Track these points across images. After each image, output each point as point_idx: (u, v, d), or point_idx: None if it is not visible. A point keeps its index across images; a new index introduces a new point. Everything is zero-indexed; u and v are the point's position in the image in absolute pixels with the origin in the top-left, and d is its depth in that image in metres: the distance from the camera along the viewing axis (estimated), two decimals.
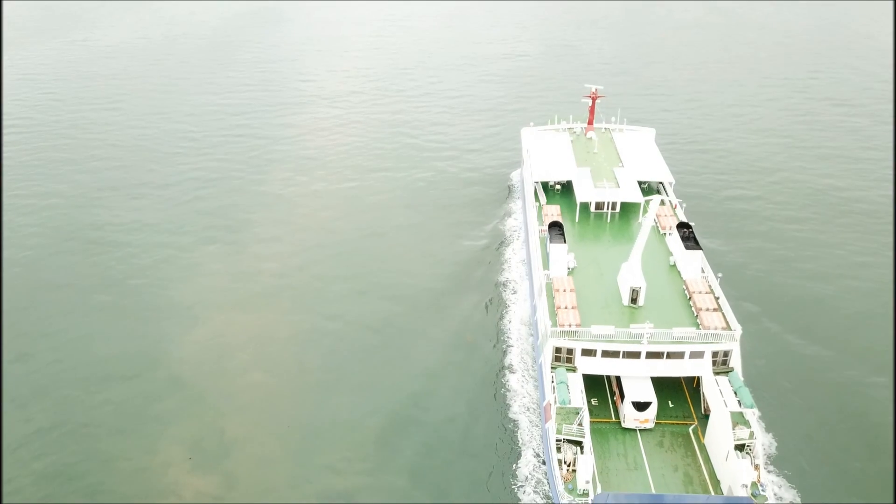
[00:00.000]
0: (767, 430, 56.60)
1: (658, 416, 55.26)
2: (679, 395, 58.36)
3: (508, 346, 67.38)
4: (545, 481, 53.41)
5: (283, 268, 79.59)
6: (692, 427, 55.13)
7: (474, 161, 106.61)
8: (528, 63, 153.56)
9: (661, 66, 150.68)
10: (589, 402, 56.09)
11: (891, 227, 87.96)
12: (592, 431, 52.29)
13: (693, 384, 58.86)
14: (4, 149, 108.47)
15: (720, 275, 62.76)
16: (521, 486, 53.37)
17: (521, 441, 57.08)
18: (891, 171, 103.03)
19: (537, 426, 57.95)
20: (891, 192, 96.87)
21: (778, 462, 54.57)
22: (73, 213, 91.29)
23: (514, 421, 59.02)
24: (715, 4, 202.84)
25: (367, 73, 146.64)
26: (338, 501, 51.32)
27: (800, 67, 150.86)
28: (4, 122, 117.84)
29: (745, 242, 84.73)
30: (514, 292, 74.70)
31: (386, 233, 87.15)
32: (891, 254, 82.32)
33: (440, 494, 52.41)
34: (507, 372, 64.20)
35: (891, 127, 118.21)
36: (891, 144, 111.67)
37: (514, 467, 54.77)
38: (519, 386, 62.61)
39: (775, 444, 56.05)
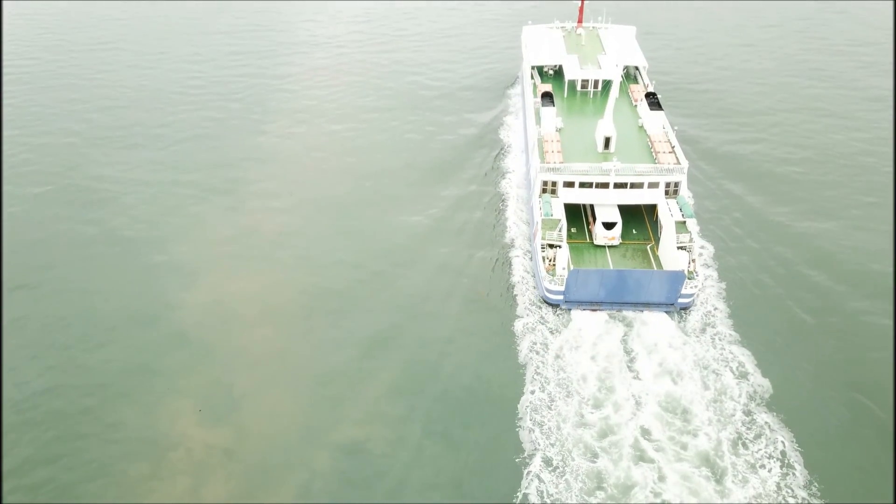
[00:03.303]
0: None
1: (623, 238, 68.14)
2: (640, 223, 71.32)
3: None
4: (534, 282, 65.57)
5: (287, 220, 76.03)
6: (649, 245, 68.33)
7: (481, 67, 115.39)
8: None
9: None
10: (569, 230, 67.94)
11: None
12: (570, 249, 65.15)
13: (653, 217, 70.89)
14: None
15: (676, 128, 77.04)
16: (515, 292, 64.77)
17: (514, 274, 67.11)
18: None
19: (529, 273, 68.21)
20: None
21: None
22: (67, 162, 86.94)
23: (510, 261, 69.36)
24: None
25: (367, 16, 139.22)
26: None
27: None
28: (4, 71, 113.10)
29: (705, 116, 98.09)
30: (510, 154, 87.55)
31: (391, 172, 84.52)
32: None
33: (454, 449, 50.85)
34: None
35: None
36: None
37: (509, 278, 66.53)
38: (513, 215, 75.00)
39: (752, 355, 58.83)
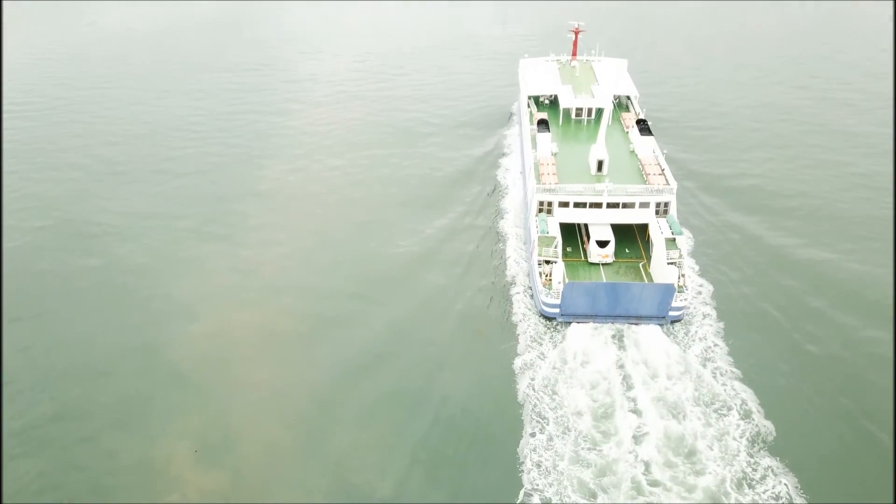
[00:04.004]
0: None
1: (616, 256, 69.94)
2: (633, 242, 72.93)
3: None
4: (531, 297, 67.51)
5: (286, 260, 75.04)
6: (641, 263, 69.95)
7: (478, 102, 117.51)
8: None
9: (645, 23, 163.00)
10: (564, 249, 70.03)
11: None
12: (566, 266, 66.95)
13: (645, 237, 72.49)
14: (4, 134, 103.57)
15: (665, 151, 78.94)
16: (512, 284, 68.21)
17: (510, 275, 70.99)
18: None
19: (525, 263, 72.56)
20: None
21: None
22: (69, 198, 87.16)
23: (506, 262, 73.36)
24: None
25: (367, 56, 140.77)
26: (342, 501, 48.66)
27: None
28: (5, 109, 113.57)
29: (695, 142, 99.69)
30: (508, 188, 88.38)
31: (390, 207, 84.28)
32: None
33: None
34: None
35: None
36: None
37: (509, 288, 68.84)
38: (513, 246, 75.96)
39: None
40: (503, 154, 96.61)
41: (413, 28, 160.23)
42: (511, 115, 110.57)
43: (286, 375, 59.52)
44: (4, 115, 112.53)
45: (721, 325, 63.11)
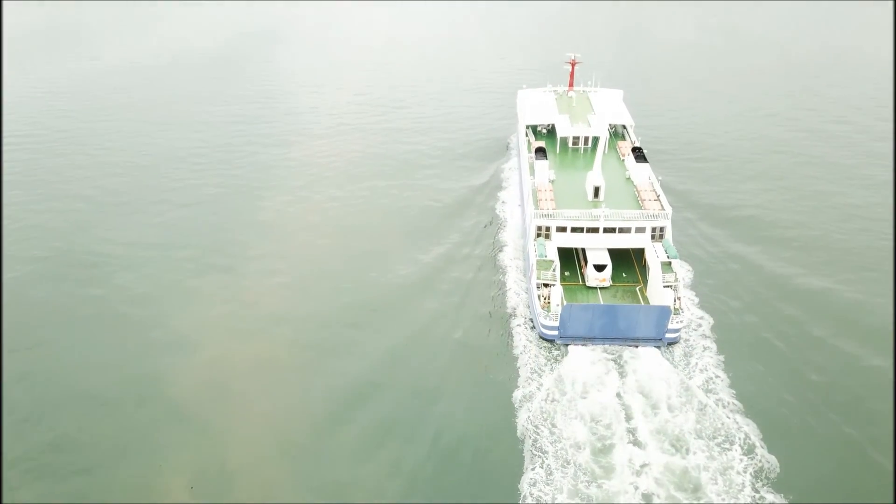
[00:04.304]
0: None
1: (613, 280, 70.70)
2: (630, 266, 73.66)
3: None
4: (531, 318, 68.20)
5: (285, 290, 74.68)
6: (638, 287, 70.78)
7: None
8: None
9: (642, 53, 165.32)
10: (563, 273, 70.66)
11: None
12: (564, 290, 67.43)
13: (642, 262, 73.14)
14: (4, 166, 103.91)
15: (660, 178, 79.83)
16: (512, 316, 68.44)
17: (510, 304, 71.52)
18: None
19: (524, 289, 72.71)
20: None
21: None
22: (69, 230, 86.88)
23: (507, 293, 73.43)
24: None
25: (367, 89, 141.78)
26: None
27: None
28: (6, 140, 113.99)
29: (693, 173, 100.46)
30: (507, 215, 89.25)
31: (389, 239, 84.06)
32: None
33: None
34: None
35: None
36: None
37: (509, 315, 69.10)
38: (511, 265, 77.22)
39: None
40: (501, 187, 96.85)
41: (413, 62, 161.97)
42: (508, 145, 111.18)
43: (283, 407, 58.90)
44: (8, 148, 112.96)
45: (721, 357, 62.50)
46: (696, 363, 61.64)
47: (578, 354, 62.57)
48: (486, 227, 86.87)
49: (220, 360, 64.30)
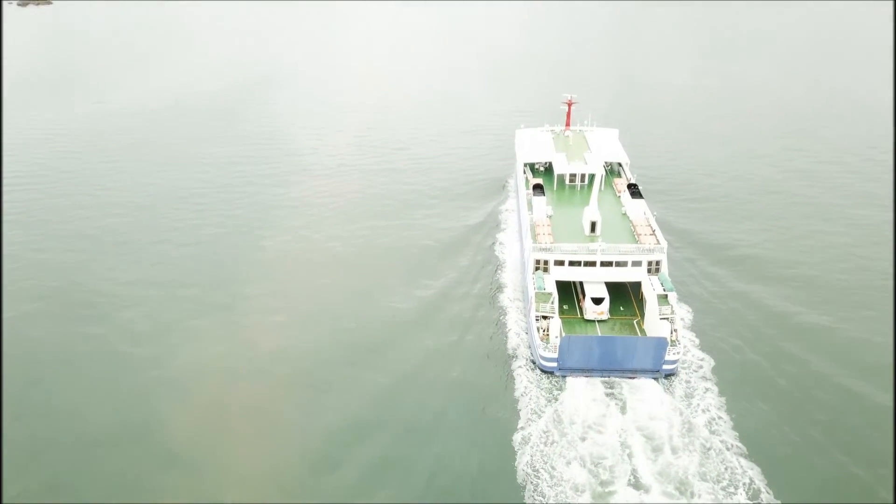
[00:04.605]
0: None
1: (611, 313, 71.38)
2: (627, 300, 74.69)
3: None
4: (529, 350, 68.74)
5: (284, 329, 74.30)
6: (636, 320, 71.62)
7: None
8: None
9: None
10: (561, 307, 70.99)
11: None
12: (563, 323, 68.03)
13: (639, 295, 73.67)
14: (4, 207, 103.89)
15: (655, 213, 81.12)
16: (513, 357, 67.93)
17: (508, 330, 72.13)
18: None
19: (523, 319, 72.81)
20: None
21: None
22: (69, 272, 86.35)
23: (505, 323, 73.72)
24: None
25: (367, 131, 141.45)
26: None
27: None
28: (10, 181, 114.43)
29: (691, 213, 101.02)
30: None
31: (388, 280, 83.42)
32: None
33: None
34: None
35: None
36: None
37: (510, 357, 68.58)
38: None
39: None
40: (499, 228, 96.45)
41: (412, 104, 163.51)
42: (505, 185, 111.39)
43: (280, 447, 58.26)
44: (12, 188, 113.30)
45: (724, 399, 61.79)
46: (699, 403, 60.79)
47: (577, 391, 62.09)
48: (484, 266, 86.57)
49: (218, 400, 63.76)
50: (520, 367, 66.65)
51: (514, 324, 73.31)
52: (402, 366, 68.03)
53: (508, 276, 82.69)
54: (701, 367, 65.93)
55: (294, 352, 71.28)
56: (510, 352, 69.12)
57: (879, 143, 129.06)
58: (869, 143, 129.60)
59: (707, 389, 62.89)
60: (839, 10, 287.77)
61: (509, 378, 65.86)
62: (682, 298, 76.21)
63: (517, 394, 63.14)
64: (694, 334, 70.94)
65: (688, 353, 67.25)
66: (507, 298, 78.03)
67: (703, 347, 68.95)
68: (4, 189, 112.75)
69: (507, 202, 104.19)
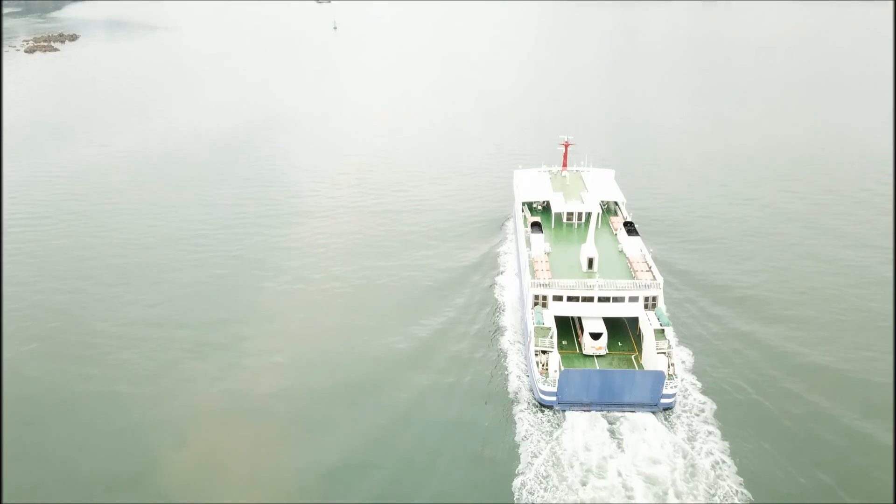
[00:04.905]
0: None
1: (609, 349, 72.22)
2: (625, 335, 75.40)
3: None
4: (528, 384, 69.21)
5: (282, 371, 73.88)
6: (633, 355, 72.30)
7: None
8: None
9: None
10: (560, 342, 72.08)
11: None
12: (562, 358, 68.78)
13: (636, 331, 74.67)
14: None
15: (651, 250, 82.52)
16: (514, 401, 67.62)
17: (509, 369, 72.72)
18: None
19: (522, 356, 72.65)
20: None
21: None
22: (67, 315, 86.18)
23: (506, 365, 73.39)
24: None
25: (368, 174, 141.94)
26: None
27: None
28: (14, 222, 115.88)
29: (684, 246, 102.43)
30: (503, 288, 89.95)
31: (388, 327, 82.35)
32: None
33: None
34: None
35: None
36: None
37: (511, 401, 68.13)
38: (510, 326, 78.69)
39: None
40: (499, 271, 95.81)
41: (412, 148, 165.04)
42: (503, 226, 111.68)
43: (277, 490, 57.69)
44: (16, 229, 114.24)
45: (727, 443, 61.06)
46: (702, 447, 59.88)
47: (577, 430, 61.58)
48: (483, 307, 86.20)
49: (215, 442, 63.43)
50: (521, 410, 65.96)
51: (515, 366, 72.66)
52: (401, 406, 67.90)
53: (508, 319, 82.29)
54: (703, 410, 65.25)
55: (292, 392, 70.85)
56: (511, 395, 68.38)
57: (873, 186, 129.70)
58: (862, 186, 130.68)
59: (710, 433, 62.08)
60: (830, 52, 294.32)
61: (509, 420, 65.06)
62: (683, 340, 76.15)
63: (518, 437, 62.29)
64: (695, 377, 70.32)
65: (689, 395, 66.69)
66: (507, 341, 77.59)
67: (706, 390, 68.31)
68: (8, 231, 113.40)
69: (504, 244, 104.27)
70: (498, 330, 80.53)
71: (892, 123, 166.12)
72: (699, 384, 69.28)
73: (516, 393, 68.56)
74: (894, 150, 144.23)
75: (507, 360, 74.08)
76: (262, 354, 77.62)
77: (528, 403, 66.71)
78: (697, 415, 64.52)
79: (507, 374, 71.63)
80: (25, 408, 68.36)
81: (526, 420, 64.24)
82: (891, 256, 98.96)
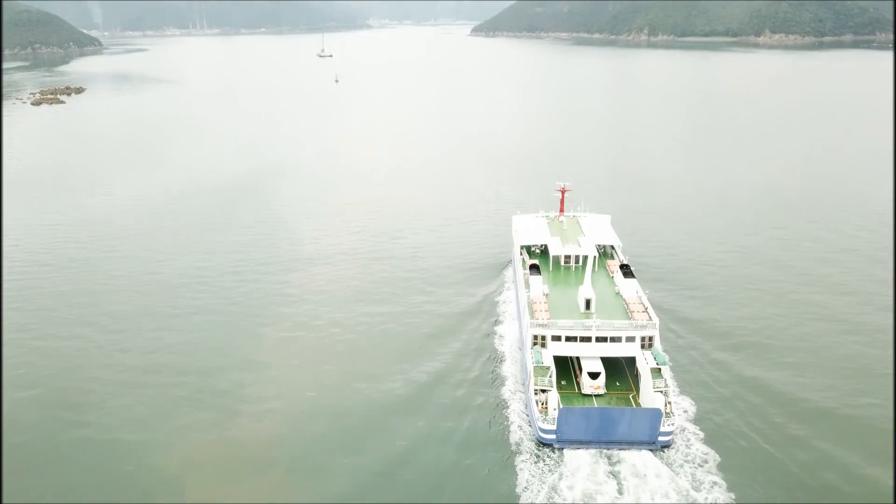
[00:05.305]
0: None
1: (607, 388, 73.22)
2: (623, 375, 76.26)
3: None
4: (527, 421, 70.15)
5: (279, 426, 72.68)
6: (631, 395, 73.17)
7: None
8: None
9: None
10: (559, 382, 73.14)
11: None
12: (561, 397, 69.61)
13: (634, 371, 75.48)
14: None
15: (647, 291, 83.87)
16: (512, 427, 69.31)
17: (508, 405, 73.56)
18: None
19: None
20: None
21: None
22: (64, 364, 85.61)
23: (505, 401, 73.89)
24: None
25: (367, 222, 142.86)
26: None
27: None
28: (15, 269, 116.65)
29: (684, 293, 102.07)
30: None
31: (387, 375, 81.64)
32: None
33: None
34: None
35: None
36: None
37: (513, 452, 67.28)
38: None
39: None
40: (498, 321, 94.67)
41: (413, 193, 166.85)
42: (502, 272, 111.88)
43: None
44: (17, 277, 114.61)
45: (733, 494, 60.06)
46: (706, 496, 59.20)
47: (578, 474, 61.53)
48: (482, 353, 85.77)
49: (213, 491, 62.62)
50: (523, 460, 65.12)
51: (516, 416, 71.74)
52: (399, 453, 67.33)
53: (508, 368, 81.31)
54: (706, 461, 64.47)
55: (290, 439, 70.10)
56: (513, 447, 67.42)
57: (864, 234, 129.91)
58: (857, 226, 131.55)
59: (714, 483, 61.23)
60: (820, 100, 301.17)
61: (509, 469, 64.16)
62: (685, 390, 76.12)
63: (518, 489, 61.53)
64: (698, 427, 69.58)
65: (691, 445, 66.32)
66: (508, 390, 76.64)
67: (708, 441, 67.51)
68: (8, 277, 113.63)
69: (503, 293, 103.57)
70: (497, 378, 79.92)
71: (892, 173, 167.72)
72: (702, 434, 68.41)
73: (518, 444, 67.47)
74: (894, 200, 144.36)
75: (508, 409, 73.18)
76: (260, 401, 76.94)
77: (530, 454, 65.79)
78: (701, 465, 63.72)
79: (508, 424, 70.72)
80: (21, 454, 67.84)
81: (527, 470, 63.35)
82: (888, 301, 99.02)
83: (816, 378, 79.48)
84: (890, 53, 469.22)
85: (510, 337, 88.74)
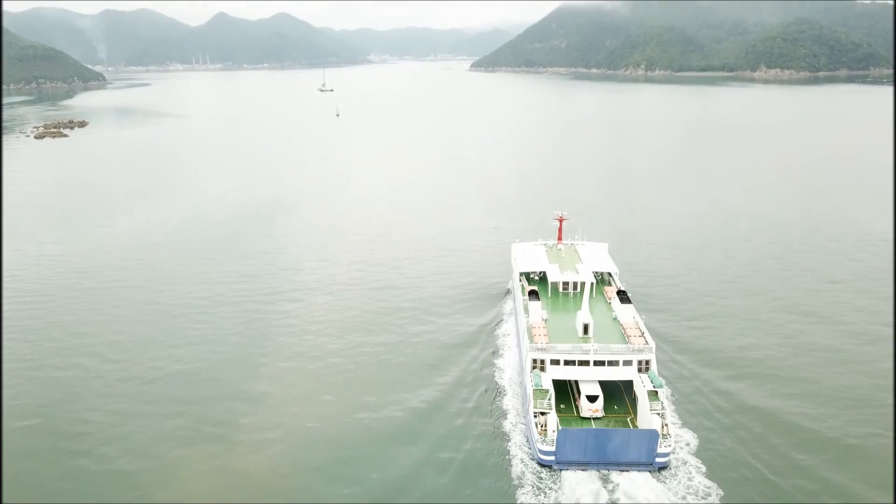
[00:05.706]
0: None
1: (605, 412, 74.72)
2: (620, 399, 77.73)
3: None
4: (527, 451, 70.78)
5: (277, 459, 72.11)
6: (629, 418, 74.43)
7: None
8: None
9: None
10: (558, 406, 74.41)
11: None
12: (560, 420, 70.93)
13: (631, 395, 76.78)
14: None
15: (643, 317, 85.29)
16: (512, 458, 69.64)
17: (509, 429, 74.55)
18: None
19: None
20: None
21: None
22: (62, 394, 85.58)
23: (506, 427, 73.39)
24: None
25: (369, 252, 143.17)
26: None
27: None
28: (16, 300, 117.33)
29: (686, 323, 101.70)
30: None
31: (386, 404, 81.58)
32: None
33: None
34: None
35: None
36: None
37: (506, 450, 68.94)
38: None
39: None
40: (499, 354, 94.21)
41: (413, 224, 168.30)
42: (501, 303, 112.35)
43: None
44: (18, 307, 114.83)
45: None
46: None
47: (573, 475, 64.03)
48: (481, 383, 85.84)
49: None
50: (524, 493, 64.73)
51: (516, 446, 71.50)
52: (399, 482, 67.12)
53: (511, 403, 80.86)
54: (709, 494, 64.23)
55: (289, 470, 69.70)
56: (513, 478, 67.09)
57: (870, 262, 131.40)
58: (852, 256, 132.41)
59: None
60: (821, 137, 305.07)
61: (509, 497, 63.95)
62: (687, 420, 76.17)
63: None
64: (700, 460, 69.17)
65: (693, 478, 66.11)
66: (508, 421, 76.47)
67: (710, 475, 67.16)
68: (9, 307, 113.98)
69: (502, 325, 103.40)
70: (496, 408, 79.88)
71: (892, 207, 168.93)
72: (703, 468, 68.00)
73: (520, 478, 67.05)
74: (894, 232, 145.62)
75: (507, 438, 73.04)
76: (260, 431, 76.63)
77: (532, 486, 65.56)
78: (704, 498, 63.38)
79: (508, 453, 70.66)
80: (20, 483, 67.74)
81: (526, 500, 62.92)
82: (886, 332, 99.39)
83: (817, 408, 79.48)
84: (885, 87, 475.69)
85: (509, 367, 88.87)
